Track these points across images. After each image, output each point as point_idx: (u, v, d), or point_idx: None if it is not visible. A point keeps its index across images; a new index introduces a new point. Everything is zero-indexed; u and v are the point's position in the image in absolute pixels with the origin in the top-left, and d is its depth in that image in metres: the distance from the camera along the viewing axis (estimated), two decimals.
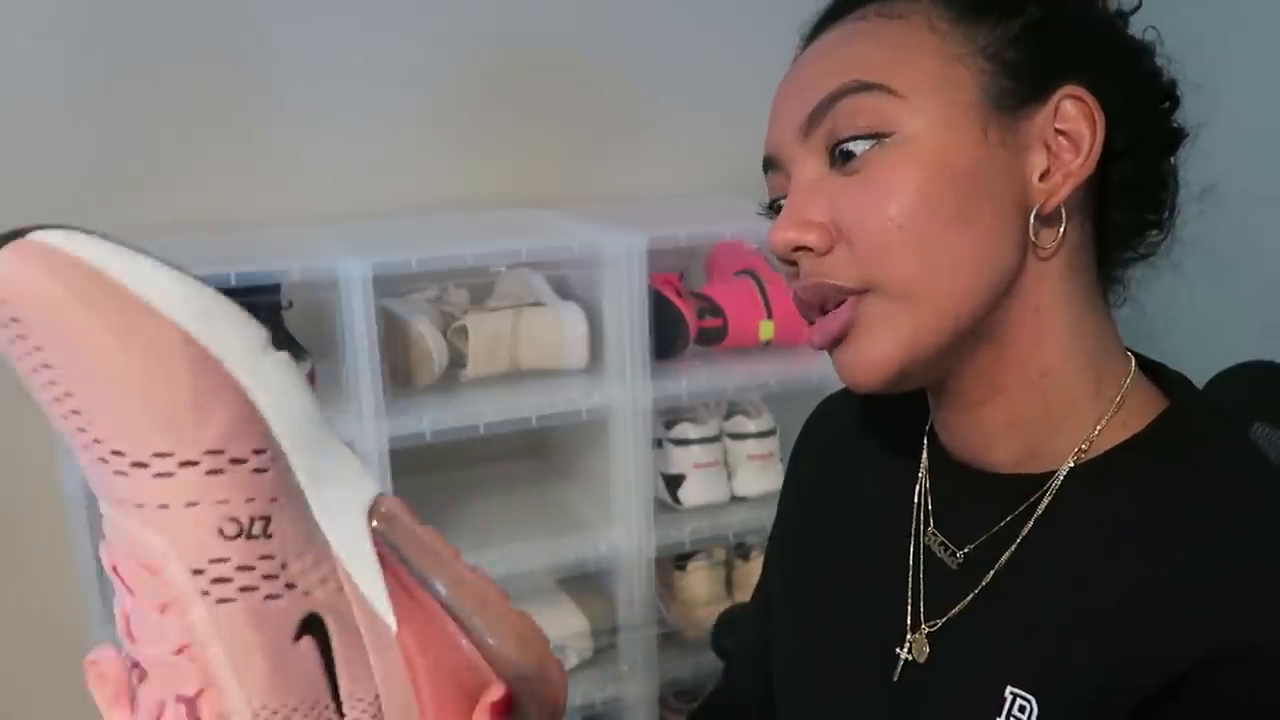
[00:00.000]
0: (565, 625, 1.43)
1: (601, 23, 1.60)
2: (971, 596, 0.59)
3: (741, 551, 1.54)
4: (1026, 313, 0.56)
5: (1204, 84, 0.59)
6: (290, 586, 0.35)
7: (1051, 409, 0.57)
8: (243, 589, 0.33)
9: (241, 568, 0.33)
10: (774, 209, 0.62)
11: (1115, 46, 0.57)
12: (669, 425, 1.45)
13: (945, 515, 0.63)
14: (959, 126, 0.53)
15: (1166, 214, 0.59)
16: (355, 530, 0.38)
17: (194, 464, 0.33)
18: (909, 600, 0.62)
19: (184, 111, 1.41)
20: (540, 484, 1.58)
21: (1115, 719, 0.49)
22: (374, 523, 0.38)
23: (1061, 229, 0.55)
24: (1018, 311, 0.56)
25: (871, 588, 0.65)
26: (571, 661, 1.43)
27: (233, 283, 1.15)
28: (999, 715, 0.54)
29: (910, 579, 0.63)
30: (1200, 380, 0.64)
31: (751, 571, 1.51)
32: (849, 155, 0.54)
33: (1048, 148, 0.54)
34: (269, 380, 0.35)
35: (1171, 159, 0.59)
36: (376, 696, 0.36)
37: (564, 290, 1.42)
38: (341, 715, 0.35)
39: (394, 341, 1.29)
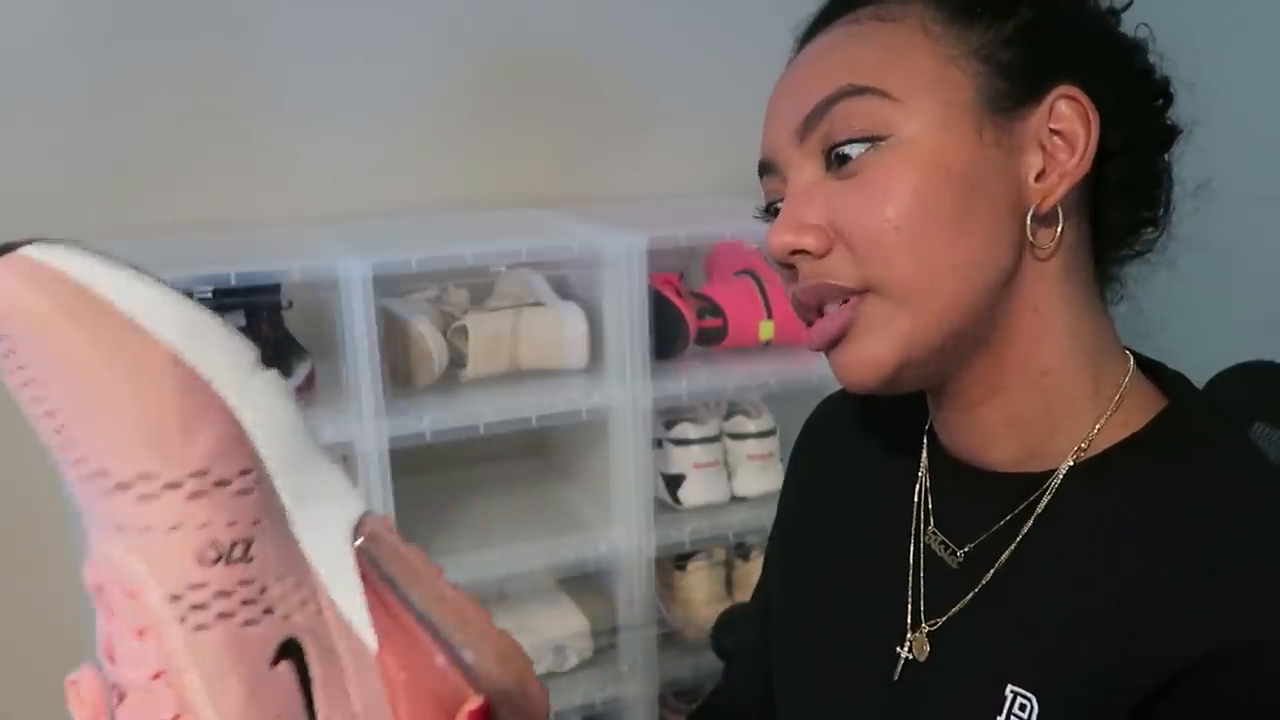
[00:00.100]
0: (565, 625, 1.43)
1: (601, 23, 1.60)
2: (972, 595, 0.59)
3: (741, 551, 1.54)
4: (1025, 313, 0.56)
5: (1196, 80, 0.59)
6: (269, 611, 0.34)
7: (1051, 408, 0.57)
8: (220, 615, 0.33)
9: (220, 593, 0.33)
10: (770, 212, 0.62)
11: (1108, 45, 0.57)
12: (669, 425, 1.45)
13: (945, 514, 0.63)
14: (954, 128, 0.53)
15: (1162, 211, 0.60)
16: (339, 549, 0.37)
17: (178, 486, 0.32)
18: (909, 599, 0.62)
19: (184, 111, 1.41)
20: (540, 484, 1.58)
21: (1115, 717, 0.49)
22: (358, 541, 0.38)
23: (1059, 229, 0.55)
24: (1016, 312, 0.56)
25: (872, 587, 0.66)
26: (571, 661, 1.43)
27: (233, 283, 1.15)
28: (999, 714, 0.54)
29: (910, 578, 0.63)
30: (1198, 378, 0.64)
31: (751, 571, 1.50)
32: (845, 158, 0.54)
33: (1043, 148, 0.54)
34: (257, 399, 0.34)
35: (1166, 156, 0.59)
36: (355, 718, 0.36)
37: (564, 290, 1.42)
38: None
39: (394, 341, 1.29)
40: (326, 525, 0.37)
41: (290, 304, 1.29)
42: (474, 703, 0.38)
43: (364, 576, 0.38)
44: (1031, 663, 0.54)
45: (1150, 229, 0.60)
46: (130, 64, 1.38)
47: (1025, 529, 0.57)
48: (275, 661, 0.34)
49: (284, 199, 1.48)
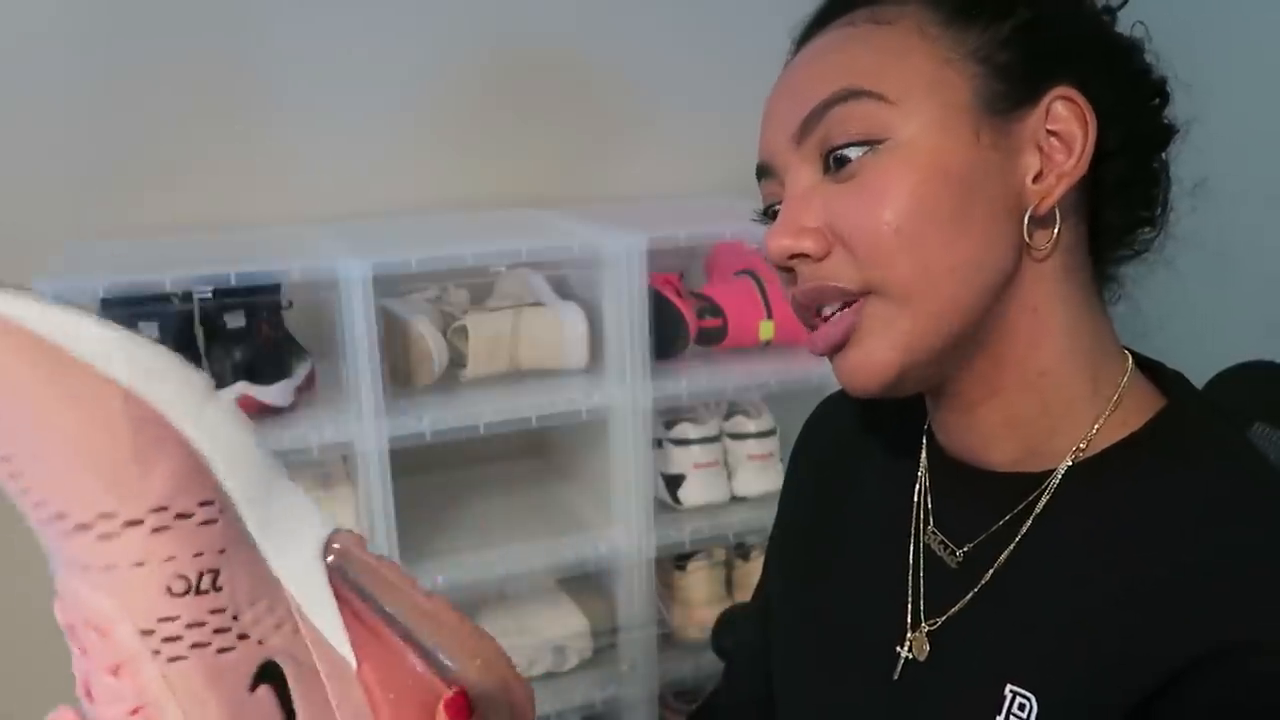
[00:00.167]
0: (565, 625, 1.43)
1: (601, 23, 1.60)
2: (971, 595, 0.59)
3: (741, 551, 1.53)
4: (1024, 313, 0.56)
5: (1193, 79, 0.59)
6: (243, 637, 0.34)
7: (1049, 409, 0.57)
8: (194, 645, 0.33)
9: (192, 624, 0.33)
10: (768, 215, 0.62)
11: (1104, 45, 0.57)
12: (669, 425, 1.45)
13: (944, 514, 0.63)
14: (952, 130, 0.53)
15: (1159, 211, 0.60)
16: (309, 569, 0.37)
17: (139, 523, 0.32)
18: (909, 599, 0.62)
19: (184, 111, 1.41)
20: (540, 484, 1.58)
21: (1115, 716, 0.49)
22: (329, 559, 0.38)
23: (1056, 230, 0.55)
24: (1015, 312, 0.56)
25: (872, 587, 0.66)
26: (571, 661, 1.43)
27: (233, 283, 1.15)
28: (999, 714, 0.54)
29: (910, 578, 0.63)
30: (1198, 378, 0.64)
31: (751, 571, 1.50)
32: (843, 161, 0.54)
33: (1040, 149, 0.54)
34: (214, 429, 0.34)
35: (1163, 155, 0.59)
36: None
37: (564, 290, 1.42)
38: None
39: (394, 341, 1.29)
40: (295, 546, 0.37)
41: (290, 304, 1.29)
42: (448, 694, 0.38)
43: (338, 593, 0.38)
44: (1030, 662, 0.54)
45: (1148, 229, 0.60)
46: (130, 64, 1.38)
47: (1024, 529, 0.57)
48: (254, 686, 0.34)
49: (284, 199, 1.48)
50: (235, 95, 1.44)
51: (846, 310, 0.55)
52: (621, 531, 1.38)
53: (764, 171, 0.60)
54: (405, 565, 0.41)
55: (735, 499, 1.48)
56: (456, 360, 1.32)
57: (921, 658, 0.60)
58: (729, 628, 1.21)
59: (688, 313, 1.38)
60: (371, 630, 0.38)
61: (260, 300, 1.23)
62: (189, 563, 0.33)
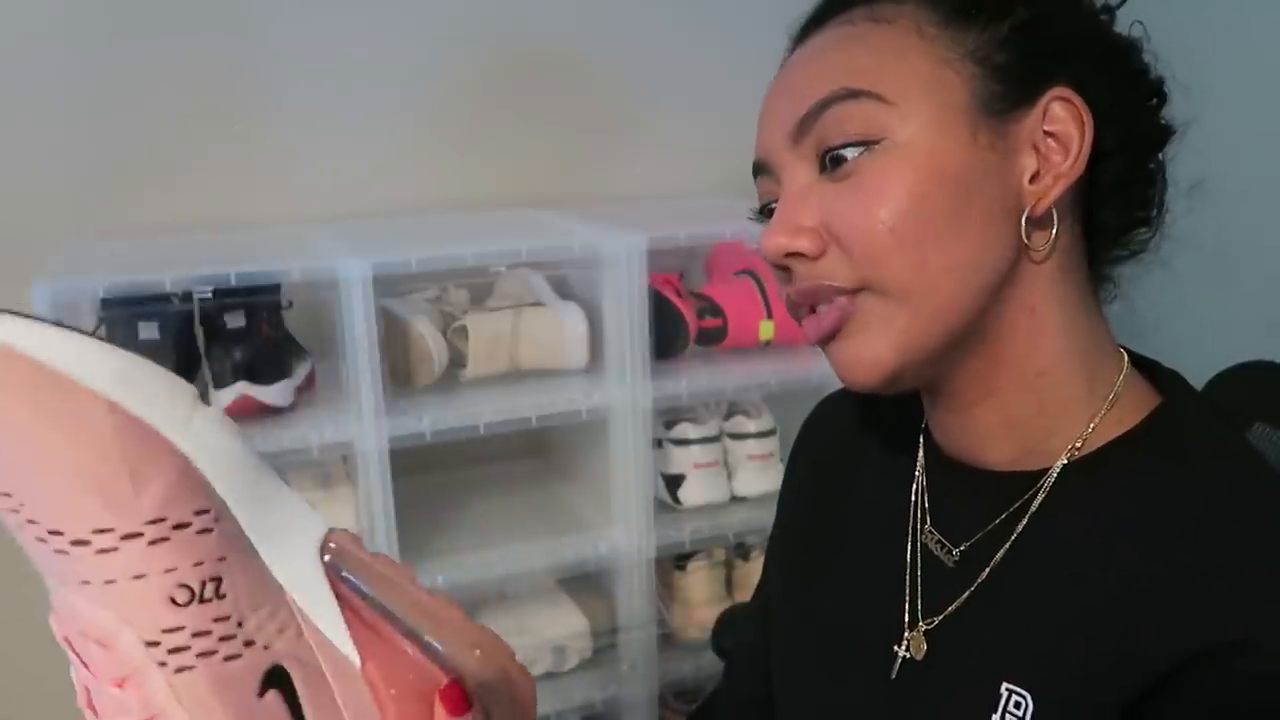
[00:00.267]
0: (565, 625, 1.43)
1: (601, 23, 1.60)
2: (968, 594, 0.59)
3: (741, 551, 1.53)
4: (1021, 314, 0.56)
5: (1190, 79, 0.59)
6: (249, 643, 0.34)
7: (1046, 409, 0.57)
8: (200, 655, 0.33)
9: (197, 634, 0.33)
10: (765, 213, 0.62)
11: (1102, 45, 0.57)
12: (669, 425, 1.45)
13: (941, 513, 0.63)
14: (949, 130, 0.53)
15: (1155, 211, 0.59)
16: (308, 571, 0.37)
17: (137, 536, 0.32)
18: (906, 598, 0.62)
19: (184, 111, 1.41)
20: (540, 484, 1.58)
21: (1110, 714, 0.49)
22: (326, 558, 0.38)
23: (1053, 230, 0.55)
24: (1012, 313, 0.56)
25: (870, 586, 0.66)
26: (571, 661, 1.43)
27: (233, 283, 1.15)
28: (995, 712, 0.54)
29: (908, 577, 0.63)
30: (1196, 378, 0.64)
31: (751, 571, 1.50)
32: (839, 161, 0.54)
33: (1037, 150, 0.54)
34: (203, 437, 0.34)
35: (1160, 156, 0.59)
36: None
37: (564, 290, 1.42)
38: None
39: (394, 341, 1.29)
40: (292, 548, 0.37)
41: (290, 304, 1.29)
42: (441, 682, 0.38)
43: (337, 592, 0.38)
44: (1026, 660, 0.54)
45: (1144, 229, 0.60)
46: (130, 64, 1.38)
47: (1020, 527, 0.57)
48: (262, 692, 0.34)
49: (284, 199, 1.48)
50: (235, 95, 1.44)
51: (840, 299, 0.55)
52: (621, 531, 1.38)
53: (760, 170, 0.60)
54: (406, 565, 0.41)
55: (735, 499, 1.48)
56: (456, 360, 1.32)
57: (919, 657, 0.60)
58: (729, 628, 1.21)
59: (688, 313, 1.38)
60: (372, 628, 0.38)
61: (260, 300, 1.23)
62: (190, 572, 0.33)
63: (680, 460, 1.45)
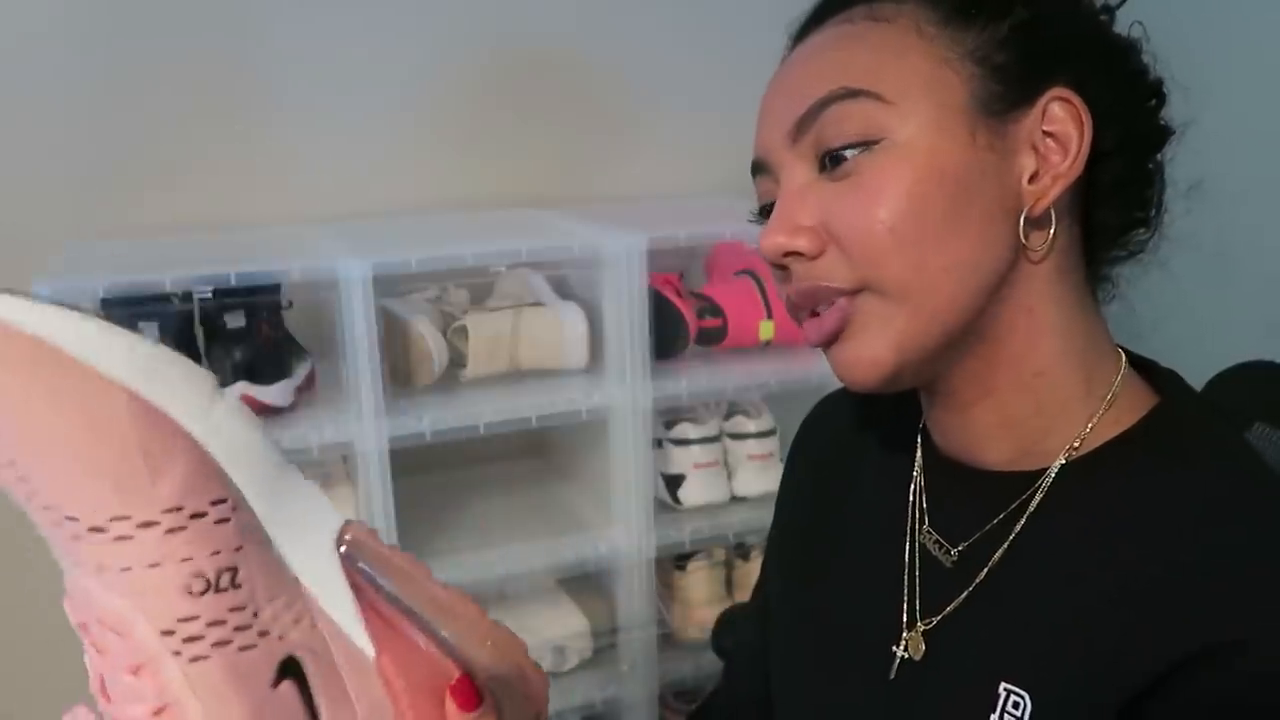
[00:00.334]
0: (565, 625, 1.43)
1: (601, 23, 1.60)
2: (966, 594, 0.59)
3: (741, 551, 1.53)
4: (1019, 314, 0.56)
5: (1193, 80, 0.59)
6: (264, 634, 0.34)
7: (1044, 409, 0.57)
8: (216, 644, 0.33)
9: (212, 623, 0.33)
10: (764, 214, 0.62)
11: (1101, 45, 0.57)
12: (669, 425, 1.45)
13: (939, 513, 0.63)
14: (948, 130, 0.53)
15: (1154, 212, 0.59)
16: (325, 562, 0.37)
17: (153, 524, 0.32)
18: (905, 598, 0.62)
19: (184, 111, 1.41)
20: (540, 484, 1.58)
21: (1108, 714, 0.49)
22: (341, 550, 0.38)
23: (1051, 231, 0.55)
24: (1009, 313, 0.56)
25: (869, 587, 0.66)
26: (571, 662, 1.43)
27: (233, 283, 1.15)
28: (993, 712, 0.54)
29: (906, 577, 0.63)
30: (1196, 379, 0.64)
31: (751, 571, 1.50)
32: (838, 160, 0.54)
33: (1036, 150, 0.54)
34: (222, 427, 0.34)
35: (1158, 156, 0.59)
36: None
37: (564, 290, 1.42)
38: None
39: (394, 341, 1.29)
40: (308, 539, 0.37)
41: (290, 304, 1.29)
42: (452, 678, 0.38)
43: (352, 584, 0.38)
44: (1025, 660, 0.54)
45: (1142, 229, 0.60)
46: (130, 64, 1.38)
47: (1018, 527, 0.57)
48: (276, 682, 0.34)
49: (284, 199, 1.48)
50: (235, 95, 1.44)
51: (840, 301, 0.55)
52: (621, 531, 1.38)
53: (759, 168, 0.60)
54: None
55: (735, 499, 1.48)
56: (456, 360, 1.32)
57: (917, 657, 0.60)
58: (729, 628, 1.21)
59: (688, 313, 1.38)
60: (387, 621, 0.38)
61: (260, 300, 1.23)
62: (206, 561, 0.33)
63: (680, 460, 1.45)
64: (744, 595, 1.50)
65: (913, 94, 0.53)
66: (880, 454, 0.70)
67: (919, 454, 0.66)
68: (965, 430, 0.60)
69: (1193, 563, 0.50)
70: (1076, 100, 0.54)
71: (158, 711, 0.33)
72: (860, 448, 0.72)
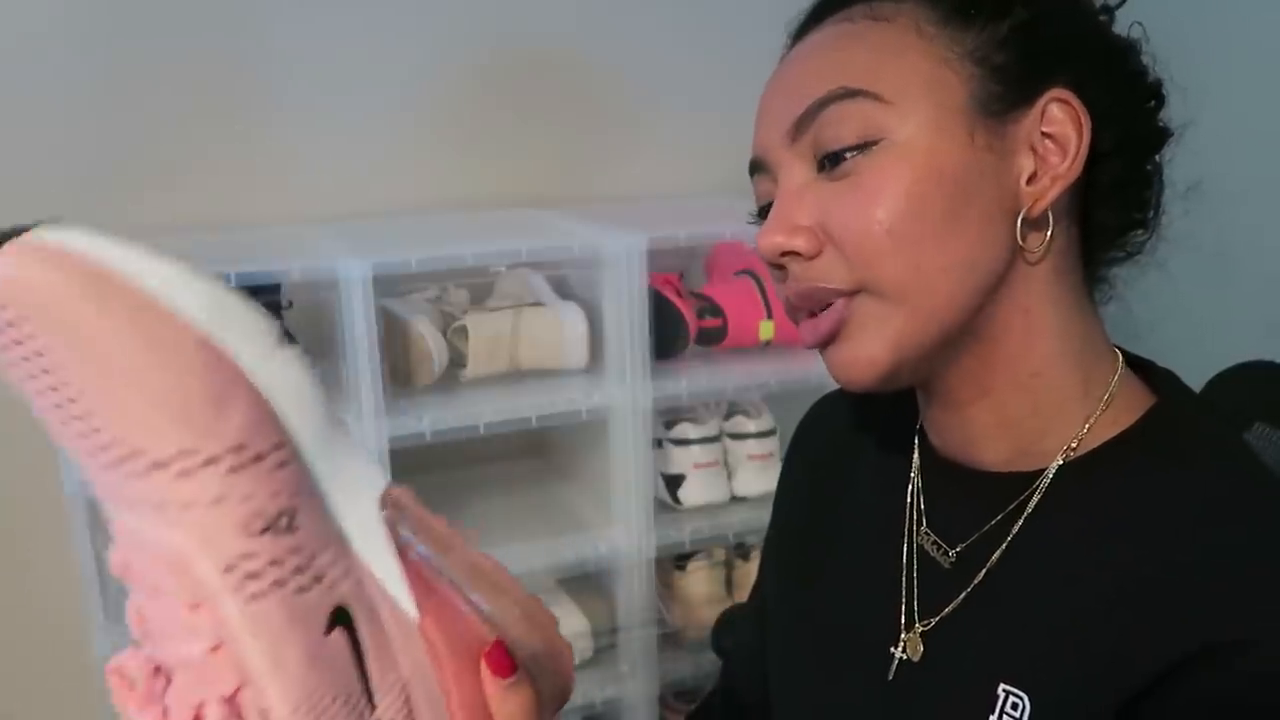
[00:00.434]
0: (565, 625, 1.41)
1: (601, 23, 1.60)
2: (964, 595, 0.59)
3: (741, 551, 1.54)
4: (1016, 315, 0.56)
5: (1192, 81, 0.59)
6: (318, 579, 0.34)
7: (1040, 409, 0.57)
8: (274, 584, 0.33)
9: (272, 562, 0.33)
10: (763, 215, 0.61)
11: (1101, 45, 0.57)
12: (669, 425, 1.45)
13: (937, 514, 0.63)
14: (947, 130, 0.53)
15: (1152, 213, 0.59)
16: (371, 522, 0.37)
17: (217, 460, 0.32)
18: (903, 599, 0.62)
19: (184, 111, 1.41)
20: (540, 484, 1.58)
21: (1107, 715, 0.49)
22: (385, 512, 0.38)
23: (1049, 232, 0.55)
24: (1007, 313, 0.56)
25: (866, 588, 0.66)
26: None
27: (233, 283, 1.15)
28: (992, 713, 0.54)
29: (904, 578, 0.63)
30: (1195, 379, 0.64)
31: (751, 571, 1.50)
32: (837, 160, 0.54)
33: (1034, 151, 0.54)
34: (282, 375, 0.34)
35: (1157, 158, 0.59)
36: (404, 686, 0.36)
37: (564, 290, 1.42)
38: (373, 707, 0.35)
39: (394, 341, 1.29)
40: (357, 498, 0.37)
41: (290, 304, 1.30)
42: (486, 644, 0.38)
43: (396, 545, 0.38)
44: (1023, 661, 0.54)
45: (1141, 231, 0.60)
46: (130, 64, 1.38)
47: (1016, 528, 0.57)
48: (329, 629, 0.34)
49: (284, 199, 1.48)
50: (235, 95, 1.44)
51: (837, 303, 0.55)
52: (621, 531, 1.38)
53: (757, 168, 0.60)
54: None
55: (735, 499, 1.48)
56: (456, 360, 1.32)
57: (915, 658, 0.60)
58: (729, 628, 1.21)
59: (688, 313, 1.38)
60: (429, 584, 0.38)
61: (260, 300, 1.22)
62: (267, 501, 0.33)
63: (680, 460, 1.45)
64: (744, 595, 1.49)
65: (912, 94, 0.53)
66: (877, 455, 0.70)
67: (916, 455, 0.66)
68: (962, 431, 0.60)
69: (1191, 563, 0.50)
70: (1075, 102, 0.54)
71: (215, 648, 0.33)
72: (857, 448, 0.72)
